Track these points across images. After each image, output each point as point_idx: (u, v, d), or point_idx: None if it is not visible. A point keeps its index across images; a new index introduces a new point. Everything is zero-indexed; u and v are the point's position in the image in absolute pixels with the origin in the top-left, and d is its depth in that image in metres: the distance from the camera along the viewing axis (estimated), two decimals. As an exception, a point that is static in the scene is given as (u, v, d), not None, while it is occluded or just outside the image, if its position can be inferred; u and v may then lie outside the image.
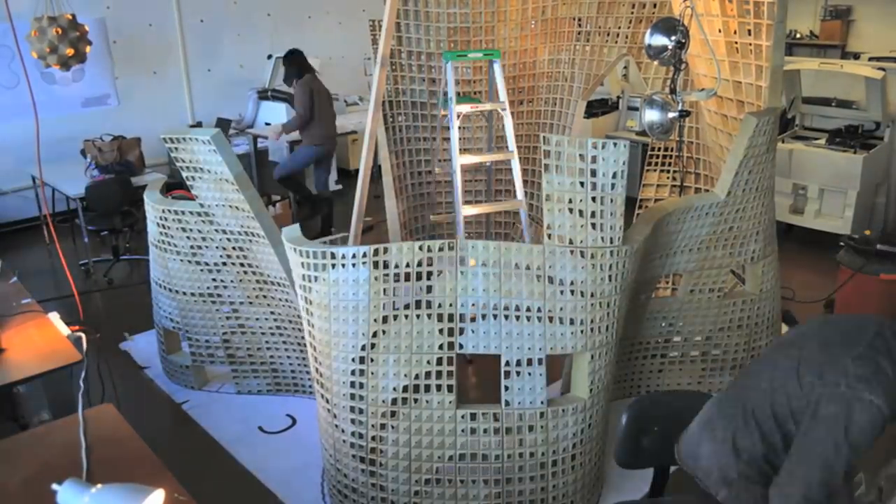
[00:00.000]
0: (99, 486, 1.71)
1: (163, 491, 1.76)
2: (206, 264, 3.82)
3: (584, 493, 3.04)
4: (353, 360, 2.82)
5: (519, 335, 2.76)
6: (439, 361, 2.78)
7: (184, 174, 3.60)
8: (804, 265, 5.70)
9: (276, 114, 7.97)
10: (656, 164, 4.93)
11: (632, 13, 4.71)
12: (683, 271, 3.74)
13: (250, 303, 3.87)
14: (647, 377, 3.94)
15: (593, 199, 2.69)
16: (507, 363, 2.79)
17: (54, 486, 1.71)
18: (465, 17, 4.82)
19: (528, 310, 2.74)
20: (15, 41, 3.29)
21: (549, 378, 2.94)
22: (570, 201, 2.69)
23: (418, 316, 2.75)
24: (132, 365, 4.54)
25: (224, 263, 3.79)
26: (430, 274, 2.74)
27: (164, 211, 3.80)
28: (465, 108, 4.32)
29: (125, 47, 7.59)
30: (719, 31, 3.94)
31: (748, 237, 3.77)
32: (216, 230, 3.68)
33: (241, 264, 3.74)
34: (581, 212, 2.70)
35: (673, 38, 3.44)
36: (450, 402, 2.80)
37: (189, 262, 3.85)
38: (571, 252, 2.72)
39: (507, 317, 2.75)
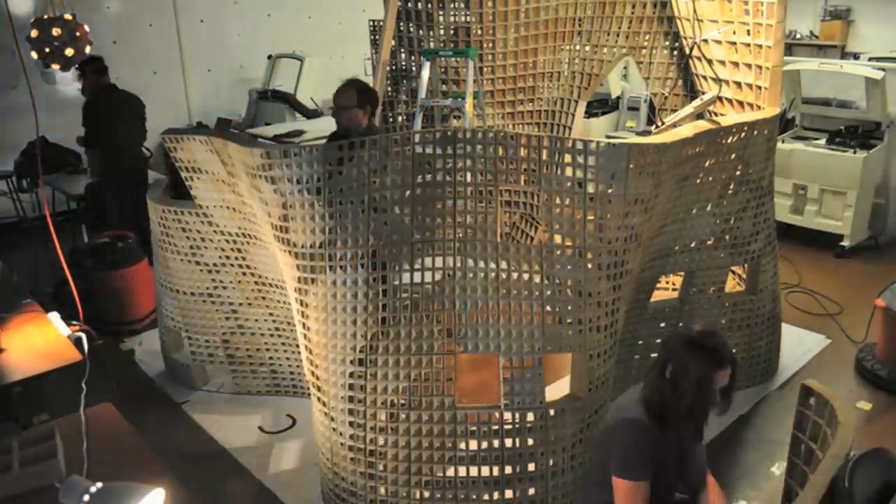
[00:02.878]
0: (99, 484, 1.72)
1: (163, 490, 1.77)
2: (206, 264, 3.83)
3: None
4: (351, 362, 2.81)
5: (518, 335, 2.76)
6: (438, 362, 2.78)
7: (182, 174, 3.61)
8: (804, 265, 5.70)
9: (277, 114, 7.97)
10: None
11: (632, 13, 4.71)
12: (683, 271, 3.75)
13: (249, 304, 3.87)
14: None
15: (592, 199, 2.69)
16: (507, 363, 2.79)
17: (56, 484, 1.72)
18: (466, 17, 4.82)
19: (527, 310, 2.74)
20: (15, 41, 3.28)
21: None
22: (570, 201, 2.69)
23: (417, 317, 2.75)
24: (132, 365, 4.54)
25: (223, 264, 3.79)
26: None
27: (164, 210, 3.81)
28: (428, 101, 4.62)
29: (125, 47, 7.59)
30: (718, 31, 3.94)
31: (748, 237, 3.78)
32: (214, 231, 3.69)
33: (240, 265, 3.75)
34: (580, 212, 2.70)
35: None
36: (449, 403, 2.80)
37: (189, 261, 3.85)
38: (570, 252, 2.72)
39: (505, 317, 2.75)
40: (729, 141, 3.47)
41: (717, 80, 4.00)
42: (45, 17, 5.99)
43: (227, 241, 3.69)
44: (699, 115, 3.90)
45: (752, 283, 3.91)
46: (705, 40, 4.03)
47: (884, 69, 5.76)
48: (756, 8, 3.69)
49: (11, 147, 6.77)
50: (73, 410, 2.42)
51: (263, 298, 3.82)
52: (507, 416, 2.82)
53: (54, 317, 3.27)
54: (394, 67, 4.92)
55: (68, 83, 7.24)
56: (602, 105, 7.95)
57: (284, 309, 3.74)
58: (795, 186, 6.02)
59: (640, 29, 4.71)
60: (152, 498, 1.72)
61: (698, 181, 3.47)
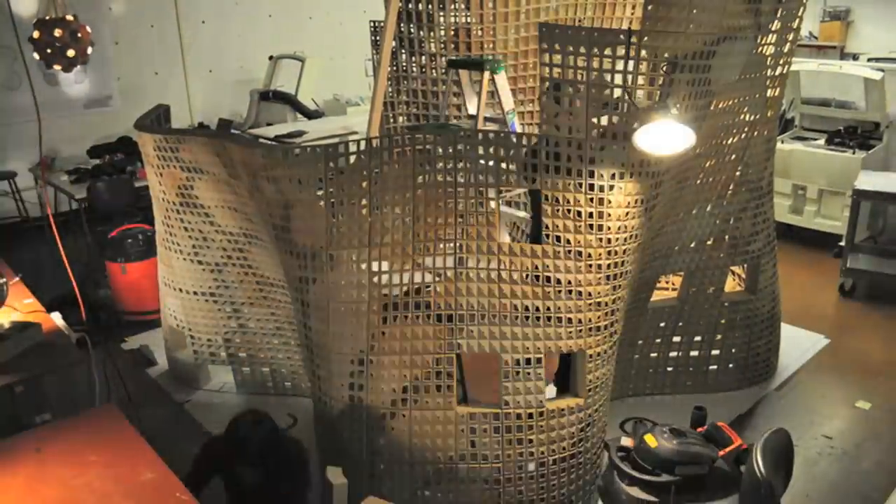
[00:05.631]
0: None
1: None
2: (208, 264, 3.84)
3: (583, 493, 3.05)
4: (351, 361, 2.83)
5: (517, 335, 2.77)
6: (438, 362, 2.79)
7: (184, 174, 3.62)
8: (804, 265, 5.71)
9: (278, 115, 7.97)
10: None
11: (632, 13, 4.72)
12: (683, 271, 3.76)
13: (251, 304, 3.88)
14: (646, 377, 3.95)
15: (591, 199, 2.70)
16: (506, 363, 2.80)
17: None
18: (466, 18, 4.83)
19: (527, 310, 2.75)
20: (17, 42, 3.30)
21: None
22: (569, 202, 2.71)
23: (418, 317, 2.76)
24: (134, 364, 4.55)
25: (225, 264, 3.81)
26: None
27: (167, 209, 3.82)
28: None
29: (127, 48, 7.61)
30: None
31: (748, 237, 3.79)
32: (216, 231, 3.70)
33: (242, 265, 3.76)
34: (579, 213, 2.71)
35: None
36: (449, 403, 2.81)
37: (191, 260, 3.87)
38: (569, 252, 2.73)
39: (505, 317, 2.76)
40: (729, 142, 3.48)
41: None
42: (48, 17, 6.00)
43: (229, 241, 3.70)
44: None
45: (752, 283, 3.92)
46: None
47: (883, 70, 5.77)
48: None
49: (13, 148, 6.80)
50: (74, 410, 2.43)
51: (265, 298, 3.83)
52: (507, 415, 2.83)
53: (56, 317, 3.28)
54: (394, 68, 4.93)
55: (70, 84, 7.28)
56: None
57: (286, 308, 3.75)
58: (795, 187, 6.03)
59: (640, 30, 4.72)
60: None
61: (698, 182, 3.48)
